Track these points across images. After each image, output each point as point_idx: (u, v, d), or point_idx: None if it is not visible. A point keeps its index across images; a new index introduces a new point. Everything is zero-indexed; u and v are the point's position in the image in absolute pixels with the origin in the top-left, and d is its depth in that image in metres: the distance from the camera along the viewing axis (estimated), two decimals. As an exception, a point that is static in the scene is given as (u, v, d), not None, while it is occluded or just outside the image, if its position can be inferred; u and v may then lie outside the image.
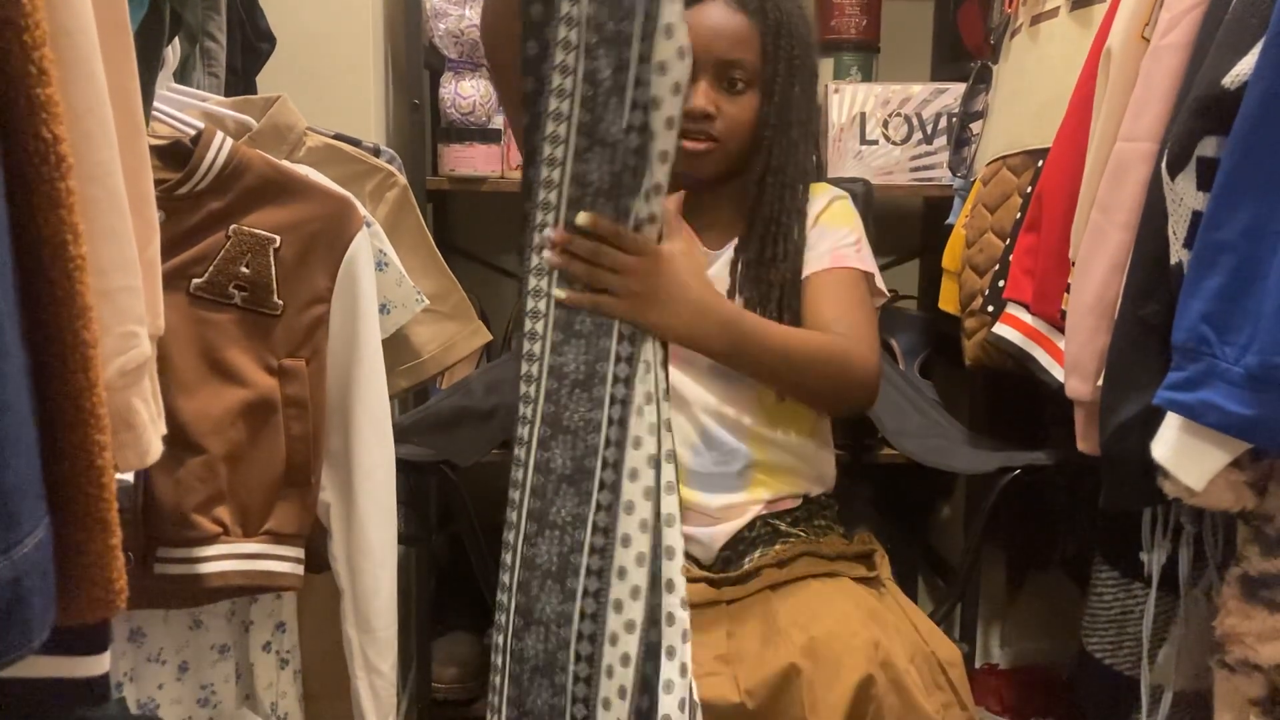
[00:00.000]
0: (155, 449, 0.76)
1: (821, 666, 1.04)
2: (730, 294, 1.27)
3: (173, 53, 1.20)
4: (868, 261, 1.33)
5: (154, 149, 1.16)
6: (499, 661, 1.08)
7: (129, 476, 1.08)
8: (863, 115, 1.91)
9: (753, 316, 1.21)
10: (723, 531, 1.25)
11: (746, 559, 1.25)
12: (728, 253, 1.30)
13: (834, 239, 1.32)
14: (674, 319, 1.10)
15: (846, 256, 1.31)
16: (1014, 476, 1.36)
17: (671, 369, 1.13)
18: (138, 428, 0.74)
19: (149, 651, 1.22)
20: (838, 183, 1.68)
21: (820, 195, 1.36)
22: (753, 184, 1.28)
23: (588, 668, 1.02)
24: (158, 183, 1.12)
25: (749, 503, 1.27)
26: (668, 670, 1.00)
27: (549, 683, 1.03)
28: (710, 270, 1.30)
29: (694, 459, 1.26)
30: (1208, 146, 0.97)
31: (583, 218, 1.05)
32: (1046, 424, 1.62)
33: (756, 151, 1.28)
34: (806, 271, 1.29)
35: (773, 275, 1.27)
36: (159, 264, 0.81)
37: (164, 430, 0.79)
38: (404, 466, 1.29)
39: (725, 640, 1.12)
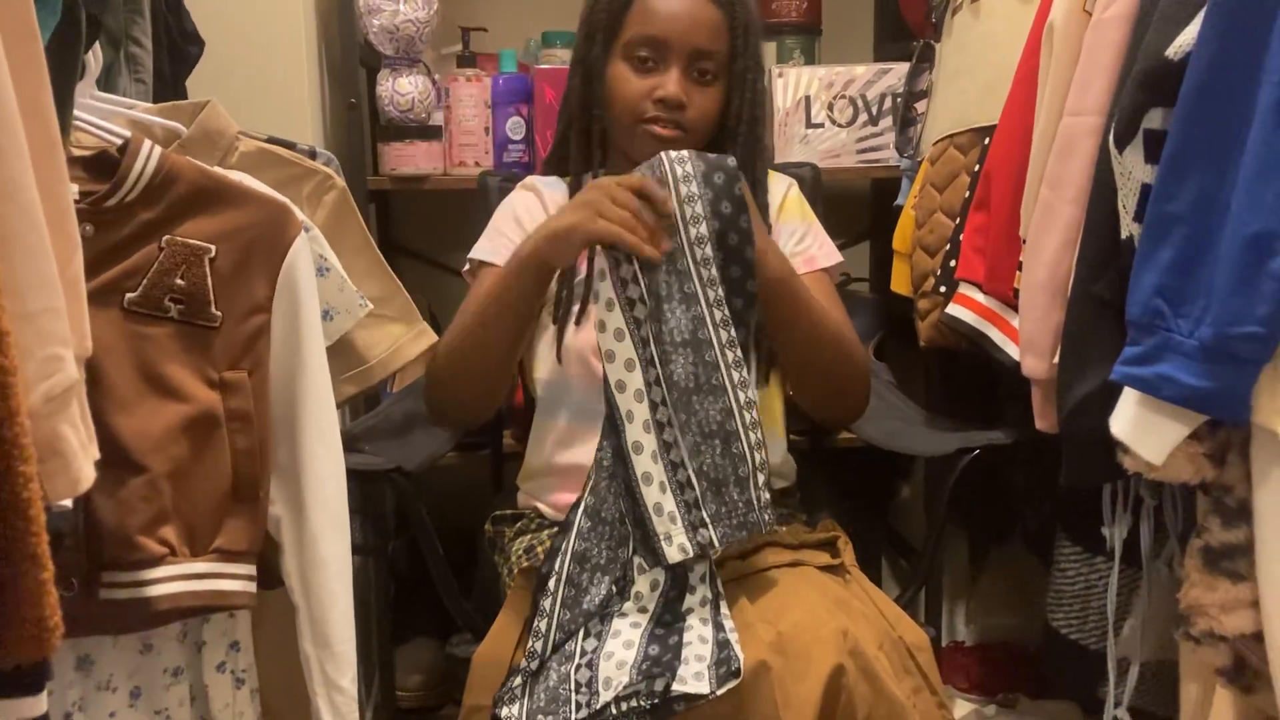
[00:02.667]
0: (87, 476, 0.73)
1: (791, 661, 1.03)
2: None
3: (94, 59, 1.16)
4: (829, 250, 1.35)
5: (79, 160, 1.11)
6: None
7: (68, 501, 1.05)
8: (807, 99, 1.90)
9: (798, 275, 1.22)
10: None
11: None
12: None
13: (795, 239, 1.33)
14: None
15: (815, 259, 1.32)
16: (973, 457, 1.36)
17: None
18: (66, 455, 0.70)
19: (98, 679, 1.18)
20: (784, 168, 1.67)
21: (773, 183, 1.36)
22: None
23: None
24: (85, 195, 1.09)
25: None
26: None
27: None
28: None
29: None
30: (1154, 119, 0.97)
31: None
32: (1003, 402, 1.62)
33: (725, 145, 1.29)
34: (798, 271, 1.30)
35: None
36: (83, 281, 0.77)
37: (96, 455, 0.75)
38: (355, 476, 1.26)
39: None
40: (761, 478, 1.12)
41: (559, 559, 1.13)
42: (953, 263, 1.42)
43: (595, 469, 1.14)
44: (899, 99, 1.82)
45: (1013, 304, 1.27)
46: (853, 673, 1.03)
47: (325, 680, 1.20)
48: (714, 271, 1.10)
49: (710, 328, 1.10)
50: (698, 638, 1.06)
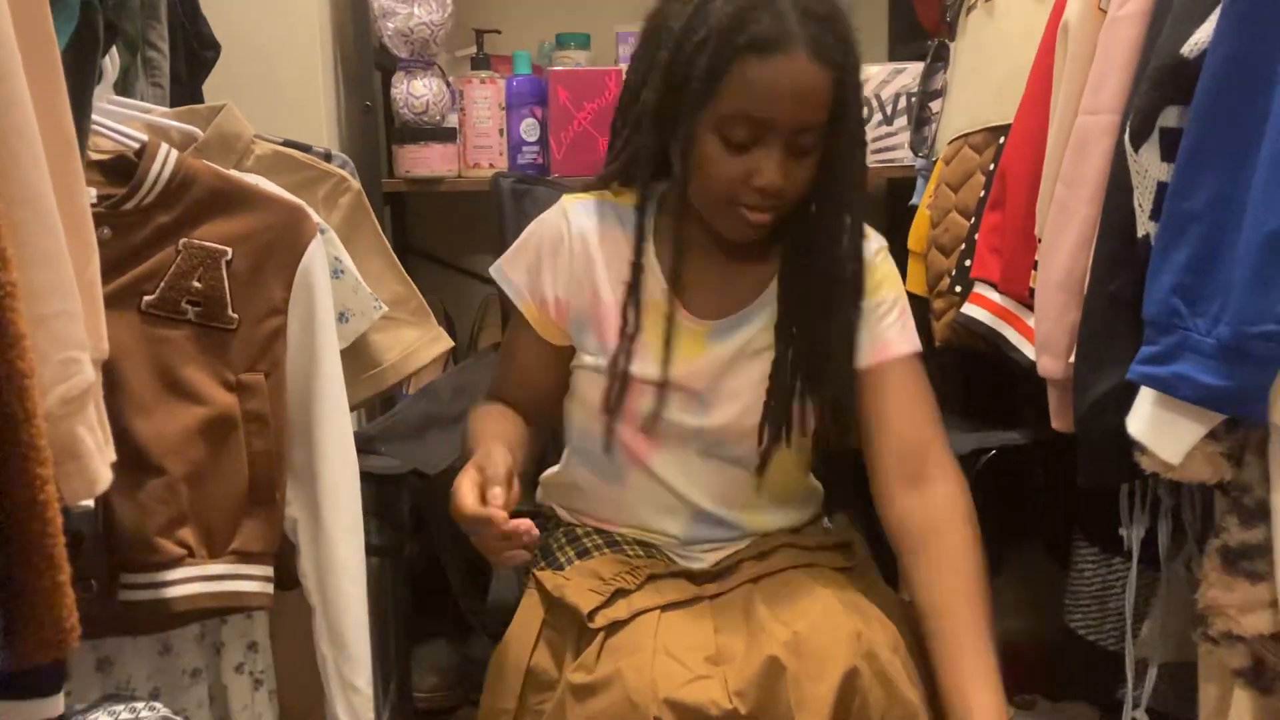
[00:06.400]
0: (104, 478, 0.73)
1: (806, 662, 1.02)
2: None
3: (111, 64, 1.17)
4: (911, 334, 1.21)
5: (97, 164, 1.12)
6: None
7: (89, 502, 1.06)
8: (822, 98, 1.89)
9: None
10: (714, 557, 1.24)
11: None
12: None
13: (880, 315, 1.20)
14: None
15: (898, 340, 1.20)
16: (990, 457, 1.35)
17: (662, 460, 1.21)
18: (83, 457, 0.71)
19: (118, 680, 1.19)
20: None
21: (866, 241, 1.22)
22: (789, 243, 1.18)
23: None
24: (103, 198, 1.10)
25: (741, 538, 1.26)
26: None
27: None
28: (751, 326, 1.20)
29: (692, 529, 1.25)
30: (1170, 116, 0.97)
31: None
32: (1019, 402, 1.61)
33: (803, 210, 1.15)
34: (866, 361, 1.18)
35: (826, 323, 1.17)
36: (99, 285, 0.77)
37: (113, 457, 0.76)
38: (372, 479, 1.26)
39: (713, 637, 1.10)
40: None
41: None
42: (968, 262, 1.41)
43: None
44: (914, 98, 1.82)
45: (1028, 303, 1.27)
46: (866, 676, 1.03)
47: (341, 681, 1.21)
48: None
49: None
50: None
